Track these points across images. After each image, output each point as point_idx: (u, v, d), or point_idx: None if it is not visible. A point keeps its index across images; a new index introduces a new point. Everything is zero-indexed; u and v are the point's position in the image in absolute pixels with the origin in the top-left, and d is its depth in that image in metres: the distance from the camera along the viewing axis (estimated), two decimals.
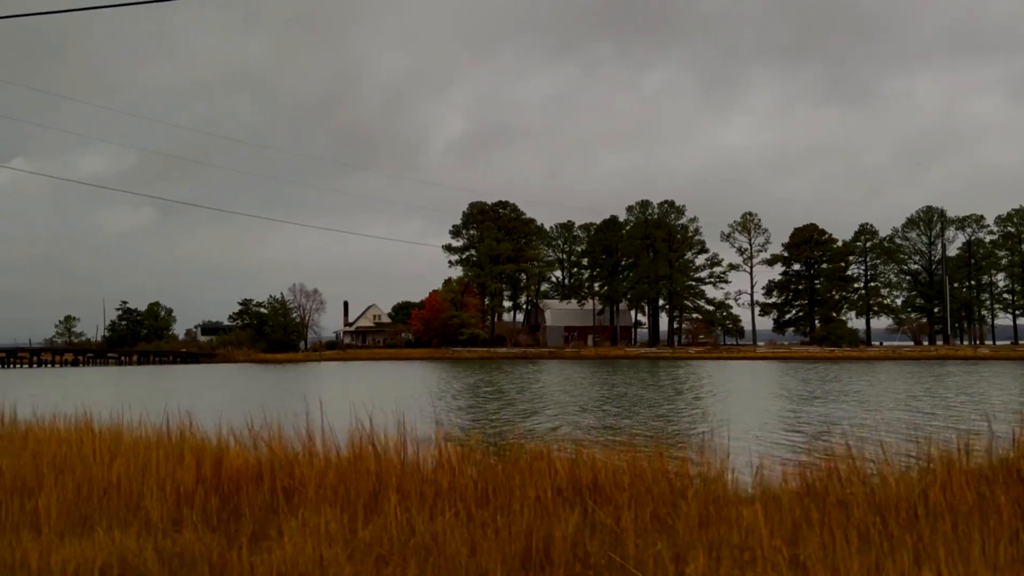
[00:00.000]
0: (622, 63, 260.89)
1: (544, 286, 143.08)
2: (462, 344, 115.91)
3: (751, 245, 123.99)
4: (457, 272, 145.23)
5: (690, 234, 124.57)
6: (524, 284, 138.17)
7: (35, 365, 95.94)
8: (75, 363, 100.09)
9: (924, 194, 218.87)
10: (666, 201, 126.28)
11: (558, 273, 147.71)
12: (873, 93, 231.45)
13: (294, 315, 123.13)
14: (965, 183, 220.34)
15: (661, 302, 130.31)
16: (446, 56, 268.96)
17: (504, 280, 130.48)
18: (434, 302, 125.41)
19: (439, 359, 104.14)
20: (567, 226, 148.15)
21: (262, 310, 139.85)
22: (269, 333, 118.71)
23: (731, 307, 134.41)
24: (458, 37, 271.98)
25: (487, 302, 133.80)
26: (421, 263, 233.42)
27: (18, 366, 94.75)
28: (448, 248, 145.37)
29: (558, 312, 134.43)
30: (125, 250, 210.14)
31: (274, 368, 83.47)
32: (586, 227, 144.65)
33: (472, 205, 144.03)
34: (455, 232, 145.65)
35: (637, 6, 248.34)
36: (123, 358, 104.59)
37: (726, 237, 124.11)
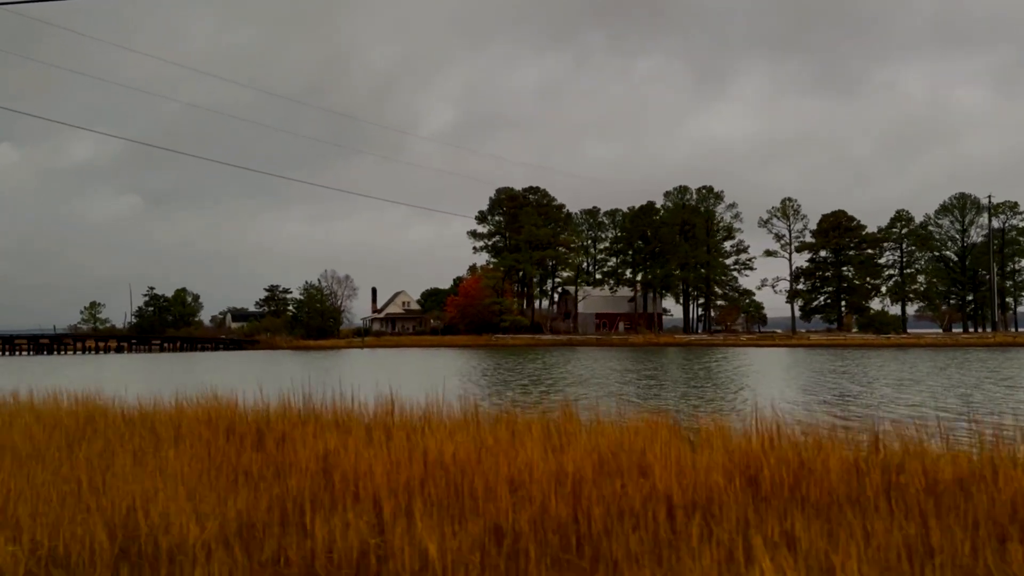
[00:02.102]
0: (614, 52, 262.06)
1: (569, 273, 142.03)
2: (503, 331, 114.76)
3: (790, 231, 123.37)
4: (482, 258, 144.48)
5: (730, 220, 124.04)
6: (551, 270, 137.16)
7: (79, 352, 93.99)
8: (119, 350, 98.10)
9: (908, 184, 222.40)
10: (704, 186, 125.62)
11: (582, 260, 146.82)
12: (860, 84, 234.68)
13: (328, 302, 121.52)
14: (949, 173, 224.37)
15: (691, 289, 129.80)
16: (438, 45, 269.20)
17: (541, 266, 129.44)
18: (469, 288, 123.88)
19: (484, 346, 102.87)
20: (592, 212, 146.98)
21: (288, 296, 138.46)
22: (305, 320, 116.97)
23: (754, 293, 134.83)
24: (451, 26, 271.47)
25: (517, 288, 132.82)
26: (409, 251, 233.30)
27: (63, 353, 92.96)
28: (473, 234, 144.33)
29: (589, 299, 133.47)
30: (109, 238, 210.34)
31: (332, 355, 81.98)
32: (611, 213, 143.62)
33: (499, 191, 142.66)
34: (480, 218, 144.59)
35: None
36: (166, 344, 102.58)
37: (764, 223, 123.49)
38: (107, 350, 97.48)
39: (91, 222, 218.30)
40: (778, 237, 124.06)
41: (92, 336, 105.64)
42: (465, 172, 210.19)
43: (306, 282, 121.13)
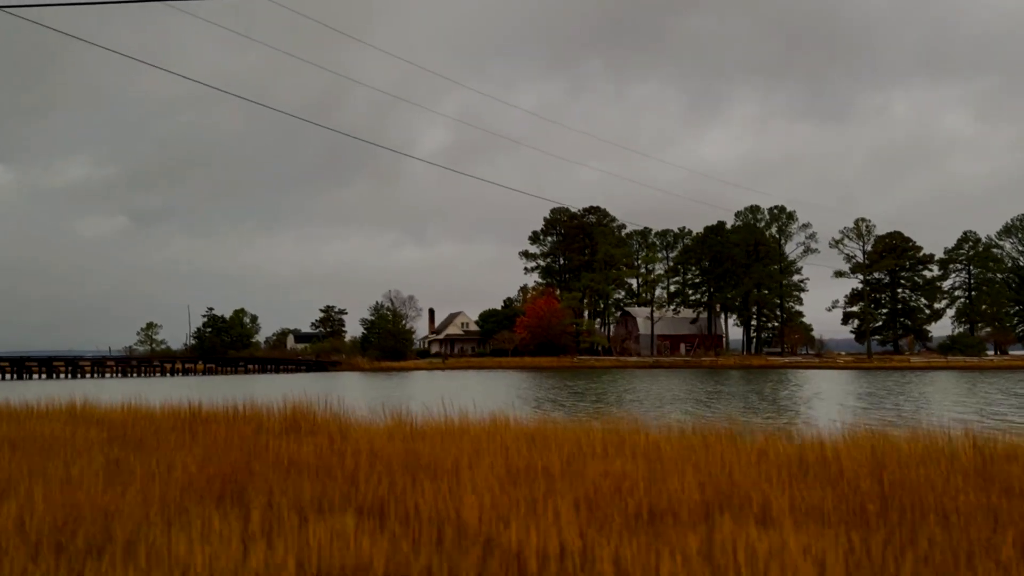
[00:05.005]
0: (610, 79, 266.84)
1: (621, 293, 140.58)
2: (583, 352, 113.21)
3: (863, 252, 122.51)
4: (531, 279, 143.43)
5: (805, 239, 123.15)
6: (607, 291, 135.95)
7: (167, 374, 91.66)
8: (206, 371, 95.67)
9: (894, 207, 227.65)
10: (776, 206, 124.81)
11: (633, 281, 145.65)
12: (850, 109, 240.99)
13: (400, 323, 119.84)
14: (934, 195, 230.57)
15: (762, 310, 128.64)
16: (438, 69, 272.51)
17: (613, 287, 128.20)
18: (539, 310, 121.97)
19: (571, 368, 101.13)
20: (643, 232, 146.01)
21: (343, 316, 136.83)
22: (376, 341, 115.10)
23: (804, 315, 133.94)
24: (451, 52, 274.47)
25: (585, 308, 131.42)
26: (398, 270, 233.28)
27: (150, 375, 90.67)
28: (525, 255, 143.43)
29: (649, 320, 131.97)
30: (104, 257, 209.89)
31: (437, 376, 80.00)
32: (662, 234, 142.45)
33: (555, 211, 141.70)
34: (534, 239, 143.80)
35: (628, 23, 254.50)
36: (250, 366, 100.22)
37: (836, 243, 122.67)
38: (193, 372, 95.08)
39: (83, 242, 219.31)
40: (848, 258, 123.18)
41: (179, 358, 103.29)
42: (460, 193, 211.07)
43: (377, 303, 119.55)
